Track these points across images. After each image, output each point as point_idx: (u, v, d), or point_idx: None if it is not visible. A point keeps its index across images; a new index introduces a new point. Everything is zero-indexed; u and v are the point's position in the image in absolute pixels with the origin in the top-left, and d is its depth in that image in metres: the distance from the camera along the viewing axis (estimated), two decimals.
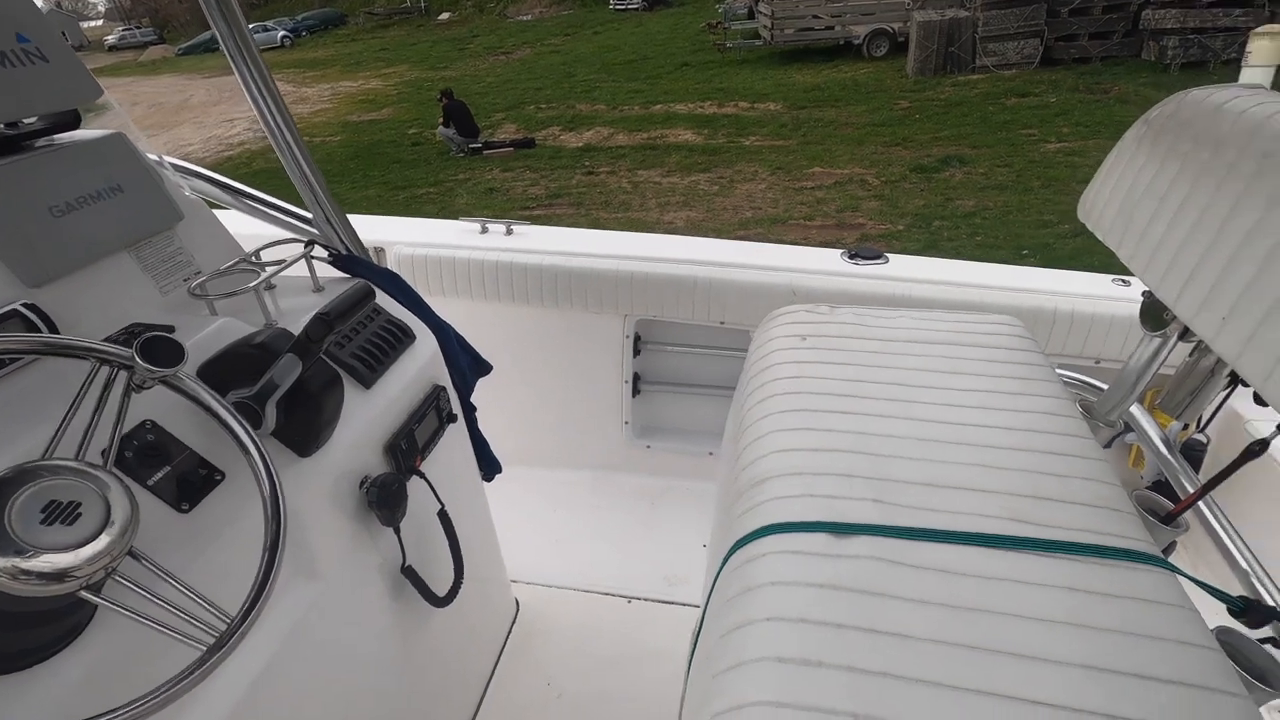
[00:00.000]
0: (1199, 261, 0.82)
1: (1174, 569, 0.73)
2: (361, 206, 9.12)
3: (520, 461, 2.03)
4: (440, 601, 1.24)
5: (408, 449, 1.18)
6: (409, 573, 1.19)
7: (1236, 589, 0.91)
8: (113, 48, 41.80)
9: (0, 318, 0.84)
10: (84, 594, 0.58)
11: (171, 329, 0.99)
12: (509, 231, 2.13)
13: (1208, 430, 1.57)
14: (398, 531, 1.14)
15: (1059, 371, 1.12)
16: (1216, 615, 0.82)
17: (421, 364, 1.28)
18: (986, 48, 12.08)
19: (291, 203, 1.41)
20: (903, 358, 1.07)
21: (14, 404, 0.78)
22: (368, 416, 1.12)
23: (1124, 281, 1.79)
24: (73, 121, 1.06)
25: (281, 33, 32.47)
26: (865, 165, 8.86)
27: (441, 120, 11.22)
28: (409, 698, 1.27)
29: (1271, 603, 0.86)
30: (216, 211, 1.27)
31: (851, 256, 1.93)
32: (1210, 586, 0.79)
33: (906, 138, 9.66)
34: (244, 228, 1.42)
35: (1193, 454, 1.56)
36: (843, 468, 0.85)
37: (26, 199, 0.92)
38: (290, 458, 0.97)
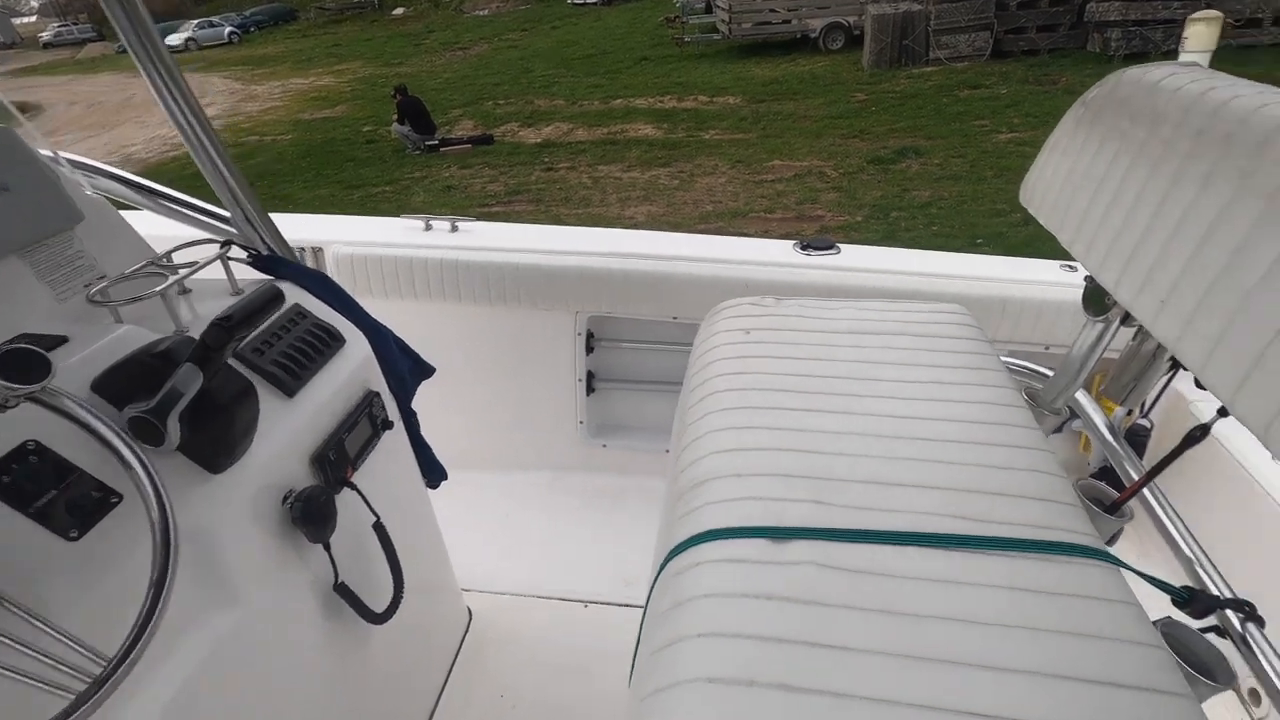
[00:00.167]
0: (1137, 244, 0.80)
1: (1118, 562, 0.71)
2: (313, 206, 8.89)
3: (472, 465, 1.97)
4: (378, 618, 1.18)
5: (337, 459, 1.12)
6: (342, 590, 1.13)
7: (1182, 577, 0.90)
8: (48, 44, 40.14)
9: None
10: None
11: (64, 339, 0.91)
12: (454, 228, 2.05)
13: (1151, 415, 1.59)
14: (328, 548, 1.08)
15: (1005, 360, 1.10)
16: (1162, 604, 0.81)
17: (352, 369, 1.22)
18: (939, 40, 12.33)
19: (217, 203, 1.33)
20: (847, 350, 1.05)
21: None
22: (291, 427, 1.06)
23: (1071, 267, 1.80)
24: None
25: (229, 28, 31.56)
26: (824, 157, 8.94)
27: (396, 117, 10.99)
28: (351, 719, 1.21)
29: (1215, 591, 0.86)
30: (126, 212, 1.19)
31: (804, 248, 1.90)
32: (1154, 578, 0.78)
33: (863, 130, 9.77)
34: (159, 229, 1.33)
35: (1137, 440, 1.57)
36: (784, 467, 0.82)
37: None
38: (200, 475, 0.90)
